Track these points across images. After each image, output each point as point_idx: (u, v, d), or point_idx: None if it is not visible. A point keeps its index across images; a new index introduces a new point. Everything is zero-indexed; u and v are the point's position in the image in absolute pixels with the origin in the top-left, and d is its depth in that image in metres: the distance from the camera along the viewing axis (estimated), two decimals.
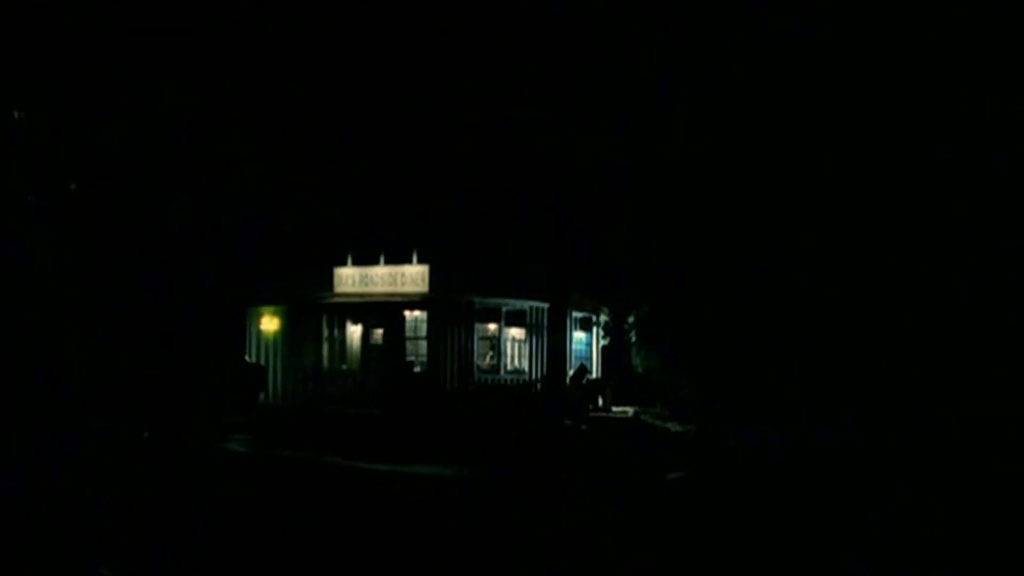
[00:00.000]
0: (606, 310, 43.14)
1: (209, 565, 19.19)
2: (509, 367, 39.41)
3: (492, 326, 39.18)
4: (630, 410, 39.07)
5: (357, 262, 39.38)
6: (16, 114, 33.82)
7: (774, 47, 37.39)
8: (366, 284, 39.02)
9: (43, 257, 35.49)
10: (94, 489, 25.34)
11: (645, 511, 24.95)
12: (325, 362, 40.14)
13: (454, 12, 39.60)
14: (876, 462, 29.12)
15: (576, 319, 41.39)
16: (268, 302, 41.13)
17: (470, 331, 38.31)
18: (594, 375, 42.20)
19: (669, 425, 36.43)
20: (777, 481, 27.89)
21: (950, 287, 35.47)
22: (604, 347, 43.67)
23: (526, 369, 39.80)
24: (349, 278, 39.39)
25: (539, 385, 39.30)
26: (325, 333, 40.28)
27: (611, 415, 38.50)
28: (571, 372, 39.88)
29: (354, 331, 40.04)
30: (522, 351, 39.96)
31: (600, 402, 39.87)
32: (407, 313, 38.41)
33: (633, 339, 43.51)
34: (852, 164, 37.23)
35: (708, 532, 22.49)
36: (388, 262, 38.68)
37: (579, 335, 41.76)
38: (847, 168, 37.26)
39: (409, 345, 38.56)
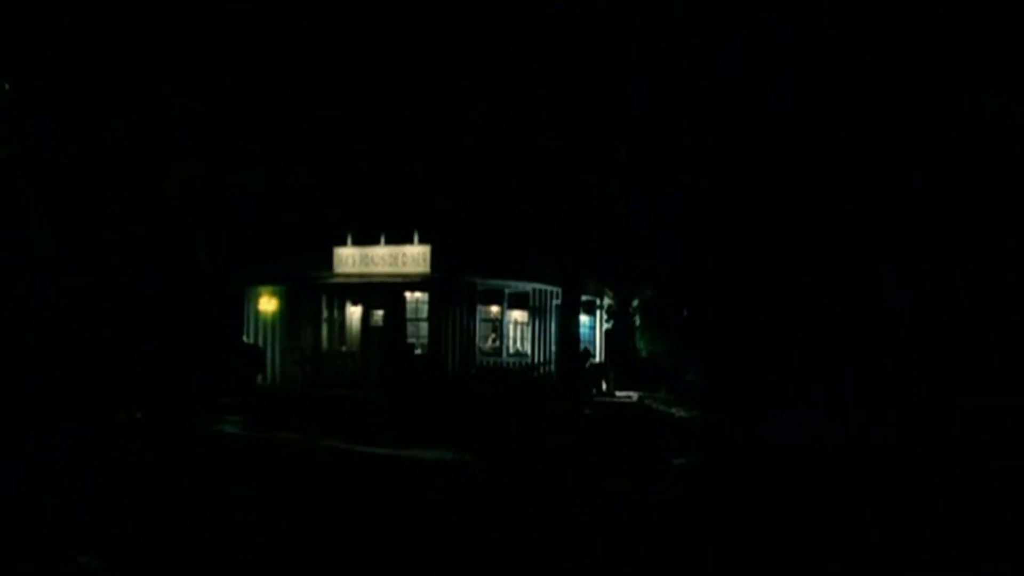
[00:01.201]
0: (610, 293, 42.86)
1: (196, 550, 18.63)
2: (511, 350, 39.02)
3: (494, 308, 38.73)
4: (634, 395, 38.82)
5: (357, 242, 38.77)
6: (6, 86, 33.35)
7: (777, 44, 37.17)
8: (366, 264, 38.42)
9: (40, 240, 35.17)
10: (82, 472, 24.86)
11: (652, 497, 24.56)
12: (324, 343, 39.64)
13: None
14: (883, 454, 28.79)
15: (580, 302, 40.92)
16: (266, 282, 40.56)
17: (472, 313, 37.81)
18: (597, 359, 41.78)
19: (674, 411, 36.23)
20: (783, 469, 27.58)
21: (952, 279, 35.41)
22: (607, 331, 43.37)
23: (528, 352, 39.42)
24: (349, 258, 38.80)
25: (542, 369, 39.05)
26: (324, 314, 39.80)
27: (615, 400, 38.26)
28: None
29: (354, 312, 39.55)
30: (524, 334, 39.59)
31: (603, 387, 39.58)
32: (408, 294, 37.92)
33: (637, 323, 43.27)
34: (857, 151, 37.08)
35: (716, 520, 22.11)
36: (389, 242, 38.08)
37: (582, 318, 41.24)
38: (852, 155, 37.13)
39: (410, 327, 38.05)
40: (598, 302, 42.65)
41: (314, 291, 39.61)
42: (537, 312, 39.62)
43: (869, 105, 36.83)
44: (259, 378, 39.69)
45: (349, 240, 38.88)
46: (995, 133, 35.06)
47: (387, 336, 37.98)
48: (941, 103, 35.67)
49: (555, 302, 39.99)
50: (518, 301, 39.19)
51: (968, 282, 35.39)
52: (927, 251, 36.11)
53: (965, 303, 35.27)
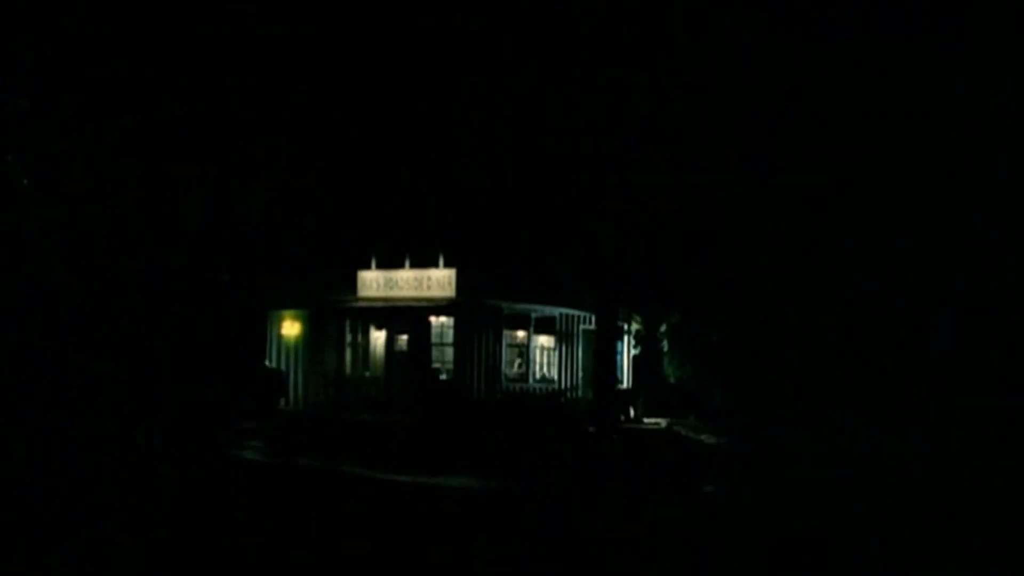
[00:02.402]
0: (638, 318, 42.40)
1: None
2: (537, 375, 38.60)
3: (520, 333, 38.37)
4: (662, 421, 38.31)
5: (381, 265, 38.50)
6: (23, 102, 33.13)
7: (789, 49, 37.01)
8: (391, 288, 38.13)
9: (45, 253, 34.82)
10: (95, 497, 24.46)
11: (683, 525, 24.11)
12: (348, 368, 39.32)
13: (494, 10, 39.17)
14: (916, 476, 28.34)
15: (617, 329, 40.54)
16: (289, 305, 40.35)
17: (498, 338, 37.46)
18: (624, 385, 41.27)
19: (703, 437, 35.73)
20: (814, 495, 27.15)
21: (975, 294, 35.19)
22: (635, 356, 42.86)
23: (555, 378, 38.96)
24: (373, 281, 38.49)
25: (569, 394, 38.58)
26: (348, 338, 39.51)
27: (643, 426, 37.74)
28: None
29: (378, 336, 39.24)
30: (551, 359, 39.15)
31: (631, 413, 39.04)
32: (433, 319, 37.59)
33: (665, 348, 42.79)
34: (882, 168, 36.91)
35: (748, 548, 21.70)
36: (414, 265, 37.82)
37: None
38: (877, 171, 36.94)
39: (435, 352, 37.74)
40: (626, 327, 42.18)
41: (338, 315, 39.29)
42: (564, 337, 39.20)
43: (893, 110, 36.64)
44: (281, 402, 39.41)
45: (373, 263, 38.61)
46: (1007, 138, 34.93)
47: (412, 361, 37.70)
48: (950, 106, 35.47)
49: (582, 327, 39.58)
50: (544, 326, 38.79)
51: (990, 295, 35.17)
52: (948, 263, 35.85)
53: (986, 315, 35.07)
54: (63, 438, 29.60)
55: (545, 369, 38.98)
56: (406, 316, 37.74)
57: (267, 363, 40.24)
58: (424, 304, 37.19)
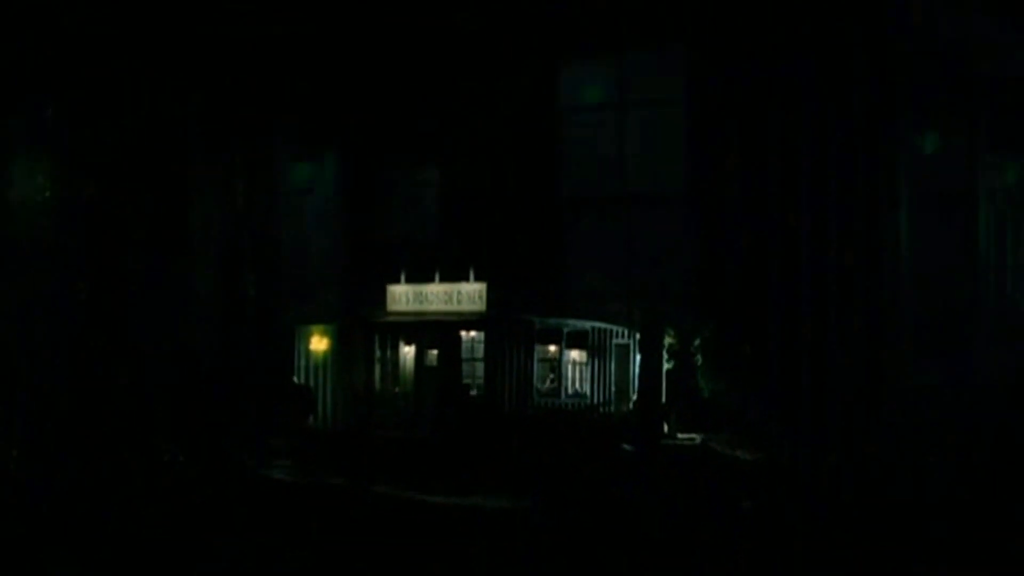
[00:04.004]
0: (671, 332, 41.85)
1: None
2: (569, 391, 38.19)
3: (552, 348, 37.92)
4: (697, 437, 37.81)
5: (411, 279, 38.38)
6: (48, 110, 33.10)
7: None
8: (420, 302, 37.99)
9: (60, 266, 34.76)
10: (116, 516, 24.23)
11: (721, 542, 23.81)
12: (377, 384, 38.98)
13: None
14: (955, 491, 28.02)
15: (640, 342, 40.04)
16: (317, 320, 40.16)
17: (529, 353, 36.98)
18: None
19: (738, 453, 35.34)
20: (852, 510, 26.75)
21: None
22: (668, 370, 42.31)
23: (587, 393, 38.55)
24: (403, 296, 38.31)
25: (601, 409, 38.11)
26: (377, 353, 39.14)
27: (677, 442, 37.24)
28: (633, 397, 38.60)
29: (407, 352, 38.90)
30: (583, 375, 38.73)
31: (665, 428, 38.60)
32: (463, 333, 37.26)
33: (699, 362, 42.29)
34: None
35: (787, 564, 21.36)
36: (444, 279, 37.68)
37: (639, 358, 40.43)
38: None
39: (465, 367, 37.36)
40: None
41: (366, 330, 39.01)
42: (596, 352, 38.75)
43: None
44: (310, 419, 39.07)
45: (403, 277, 38.34)
46: None
47: (442, 376, 37.34)
48: None
49: (615, 341, 39.21)
50: (577, 340, 38.33)
51: None
52: None
53: None
54: (85, 455, 29.49)
55: (577, 384, 38.58)
56: (436, 331, 37.45)
57: (295, 379, 39.98)
58: (454, 319, 36.96)
